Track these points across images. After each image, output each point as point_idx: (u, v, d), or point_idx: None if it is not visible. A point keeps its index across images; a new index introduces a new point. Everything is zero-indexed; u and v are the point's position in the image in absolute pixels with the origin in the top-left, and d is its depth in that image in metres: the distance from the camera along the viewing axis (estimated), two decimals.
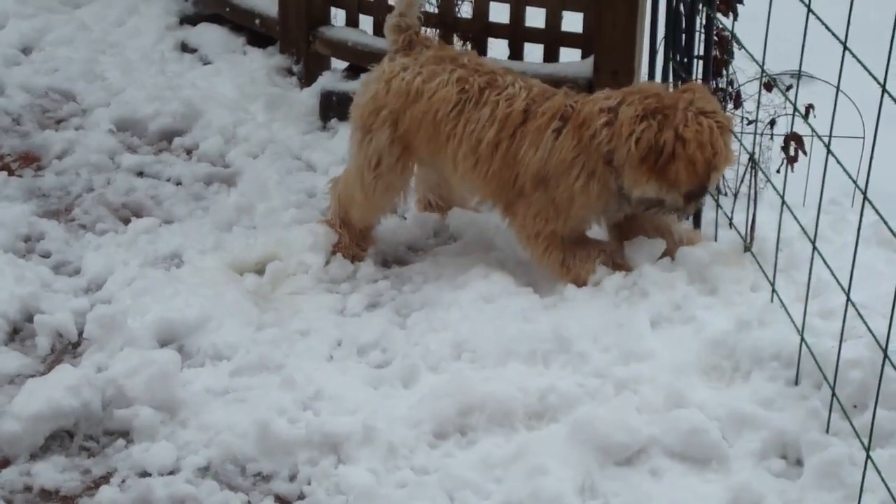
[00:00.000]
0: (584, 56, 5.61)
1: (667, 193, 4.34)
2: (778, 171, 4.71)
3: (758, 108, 4.45)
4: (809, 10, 3.54)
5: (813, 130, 3.81)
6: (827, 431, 3.58)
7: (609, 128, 4.34)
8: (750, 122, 5.04)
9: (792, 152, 4.66)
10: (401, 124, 4.69)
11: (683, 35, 4.88)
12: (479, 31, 5.82)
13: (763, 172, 4.55)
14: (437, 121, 4.60)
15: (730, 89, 5.12)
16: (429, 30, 5.64)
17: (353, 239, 4.98)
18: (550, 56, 5.74)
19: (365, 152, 4.78)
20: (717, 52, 4.92)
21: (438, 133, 4.62)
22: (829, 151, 3.48)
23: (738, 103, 5.17)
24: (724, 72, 5.07)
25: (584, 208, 4.47)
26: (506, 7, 5.75)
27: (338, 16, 6.47)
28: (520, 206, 4.57)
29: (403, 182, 4.88)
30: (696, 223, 4.83)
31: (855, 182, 3.37)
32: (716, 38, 4.79)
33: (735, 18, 4.86)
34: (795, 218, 3.97)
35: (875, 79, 3.05)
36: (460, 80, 4.59)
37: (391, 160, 4.75)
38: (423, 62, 4.68)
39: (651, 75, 5.34)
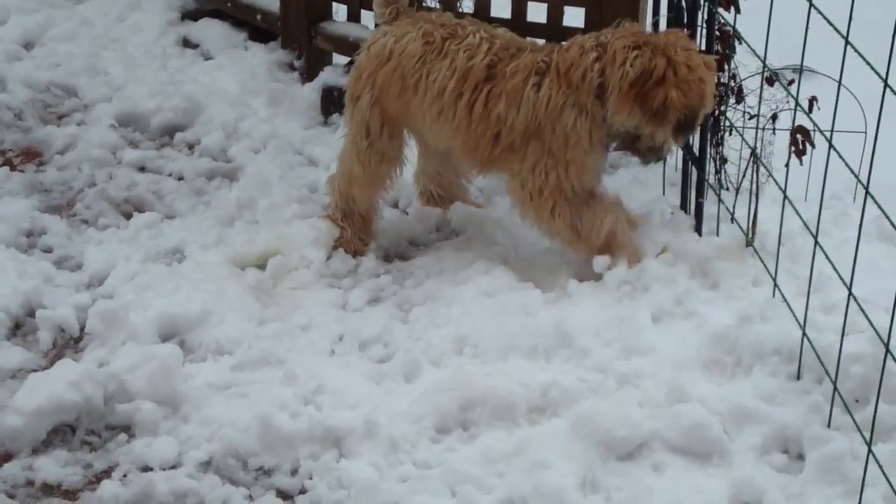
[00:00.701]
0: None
1: (651, 124, 4.37)
2: (786, 166, 4.70)
3: (759, 102, 4.44)
4: (811, 5, 3.54)
5: (815, 125, 3.81)
6: (828, 426, 3.59)
7: (600, 61, 4.41)
8: (752, 117, 5.03)
9: (799, 145, 4.65)
10: (376, 85, 4.76)
11: (686, 30, 4.87)
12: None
13: (765, 167, 4.54)
14: (404, 75, 4.68)
15: (732, 84, 5.12)
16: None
17: (354, 232, 4.99)
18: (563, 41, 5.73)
19: (355, 122, 4.87)
20: (719, 47, 4.92)
21: (405, 87, 4.69)
22: (830, 146, 3.48)
23: (739, 98, 5.16)
24: (726, 66, 5.06)
25: (580, 149, 4.48)
26: (508, 2, 5.74)
27: (339, 11, 6.47)
28: (513, 164, 4.60)
29: (395, 151, 4.92)
30: (698, 219, 4.83)
31: (857, 176, 3.37)
32: (717, 33, 4.79)
33: (737, 13, 4.85)
34: (797, 212, 3.97)
35: (877, 73, 3.04)
36: (425, 34, 4.67)
37: (376, 124, 4.81)
38: (400, 25, 4.77)
39: None
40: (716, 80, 4.47)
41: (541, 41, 5.60)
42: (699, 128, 4.64)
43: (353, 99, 4.86)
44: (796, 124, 4.41)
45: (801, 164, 4.49)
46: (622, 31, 4.47)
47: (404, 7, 4.88)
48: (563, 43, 4.62)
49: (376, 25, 5.05)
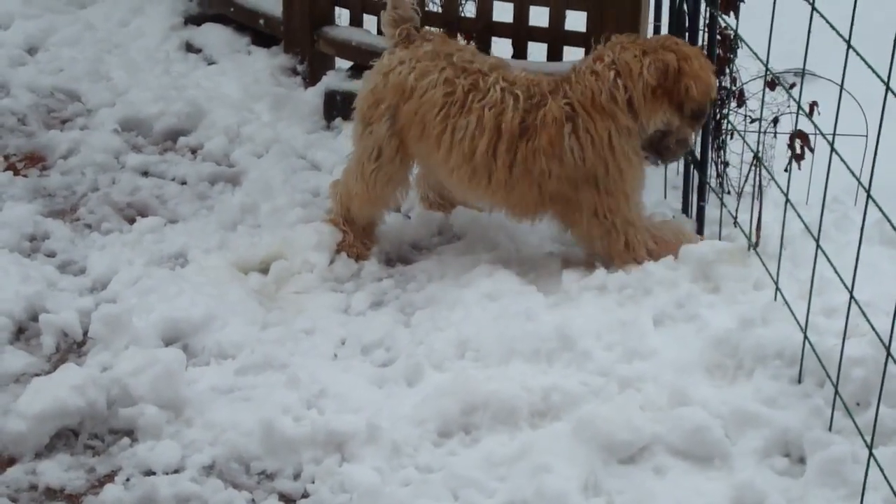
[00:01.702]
0: (587, 55, 5.60)
1: (677, 116, 4.48)
2: (786, 170, 4.71)
3: (762, 106, 4.44)
4: (813, 8, 3.54)
5: (816, 128, 3.81)
6: (830, 429, 3.59)
7: (621, 77, 4.46)
8: (753, 121, 5.04)
9: (798, 150, 4.66)
10: (397, 119, 4.73)
11: (687, 34, 4.88)
12: (482, 30, 5.82)
13: (767, 170, 4.55)
14: (426, 122, 4.64)
15: (733, 87, 5.13)
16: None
17: (356, 236, 4.99)
18: (554, 55, 5.75)
19: (365, 144, 4.83)
20: (721, 51, 4.93)
21: (427, 135, 4.66)
22: (832, 149, 3.48)
23: (741, 102, 5.17)
24: (728, 70, 5.07)
25: (633, 173, 4.56)
26: (509, 6, 5.75)
27: (342, 15, 6.48)
28: (567, 214, 4.63)
29: (403, 175, 4.91)
30: (700, 222, 4.84)
31: (858, 180, 3.38)
32: (719, 36, 4.80)
33: (737, 17, 4.86)
34: (799, 216, 3.97)
35: (879, 76, 3.05)
36: (447, 82, 4.61)
37: (390, 152, 4.79)
38: (420, 57, 4.70)
39: None
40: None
41: (543, 44, 5.63)
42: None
43: (367, 122, 4.81)
44: (798, 128, 4.41)
45: (800, 169, 4.50)
46: (619, 43, 4.52)
47: (415, 27, 4.81)
48: (569, 75, 4.61)
49: (379, 31, 5.04)
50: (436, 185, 5.17)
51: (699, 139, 4.80)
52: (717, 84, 4.57)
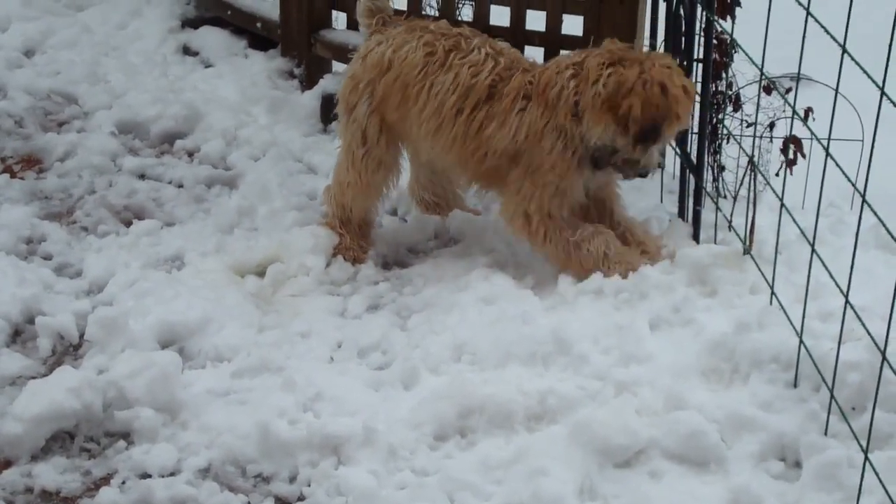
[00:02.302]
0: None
1: (619, 136, 4.40)
2: (777, 175, 4.72)
3: (757, 110, 4.46)
4: (808, 14, 3.55)
5: (812, 133, 3.82)
6: (825, 433, 3.59)
7: (576, 79, 4.45)
8: (749, 125, 5.05)
9: (791, 155, 4.67)
10: (375, 94, 4.78)
11: (683, 38, 4.89)
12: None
13: (762, 175, 4.55)
14: (405, 84, 4.70)
15: (729, 92, 5.13)
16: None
17: (353, 238, 5.00)
18: (551, 59, 5.74)
19: (350, 131, 4.90)
20: (717, 55, 4.93)
21: (406, 97, 4.71)
22: (827, 154, 3.49)
23: (737, 106, 5.18)
24: (724, 74, 5.08)
25: (557, 173, 4.52)
26: (506, 10, 5.76)
27: (339, 19, 6.49)
28: (499, 185, 4.70)
29: (391, 158, 4.94)
30: (696, 227, 4.84)
31: (854, 185, 3.38)
32: (715, 41, 4.80)
33: (733, 22, 4.87)
34: (794, 220, 3.98)
35: (874, 81, 3.05)
36: (427, 45, 4.69)
37: (374, 132, 4.84)
38: (395, 34, 4.79)
39: None
40: (692, 105, 4.49)
41: (540, 48, 5.65)
42: (675, 142, 4.66)
43: (349, 108, 4.89)
44: (793, 133, 4.42)
45: (792, 175, 4.50)
46: (602, 48, 4.51)
47: (389, 15, 4.92)
48: (557, 58, 4.67)
49: (364, 36, 5.05)
50: (430, 184, 5.18)
51: (695, 144, 4.81)
52: (687, 119, 4.47)
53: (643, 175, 4.64)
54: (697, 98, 4.68)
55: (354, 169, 4.91)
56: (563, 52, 5.70)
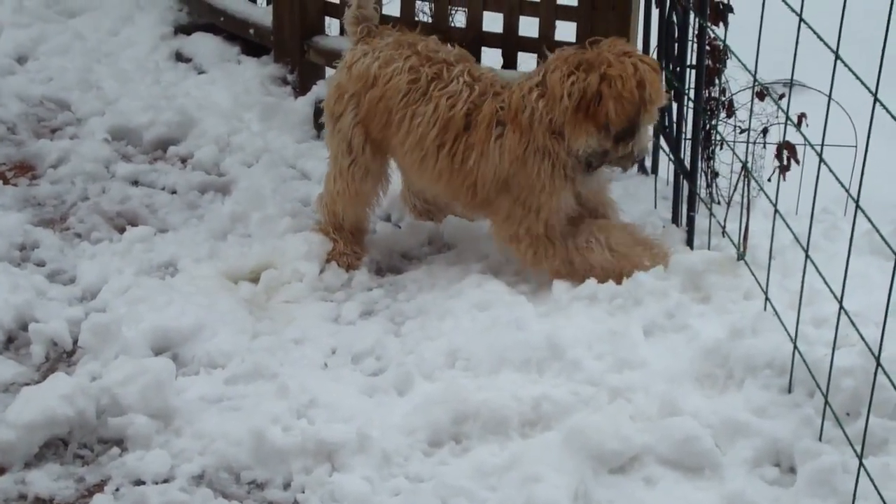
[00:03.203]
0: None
1: (604, 139, 4.41)
2: (769, 180, 4.73)
3: (750, 116, 4.46)
4: (801, 20, 3.56)
5: (805, 139, 3.82)
6: (820, 439, 3.60)
7: (543, 98, 4.44)
8: (742, 131, 5.06)
9: (784, 161, 4.69)
10: (360, 107, 4.78)
11: (676, 44, 4.90)
12: (472, 40, 5.83)
13: (756, 181, 4.56)
14: (388, 109, 4.69)
15: (722, 98, 5.14)
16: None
17: (346, 244, 5.00)
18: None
19: (337, 140, 4.89)
20: (710, 62, 4.94)
21: (389, 122, 4.71)
22: (821, 160, 3.50)
23: (730, 112, 5.19)
24: (717, 80, 5.09)
25: (546, 193, 4.52)
26: (499, 16, 5.76)
27: (332, 25, 6.48)
28: (490, 214, 4.70)
29: (378, 167, 4.93)
30: (690, 233, 4.85)
31: (847, 191, 3.39)
32: (708, 47, 4.81)
33: (726, 28, 4.88)
34: (788, 226, 3.98)
35: (867, 87, 3.06)
36: (411, 70, 4.68)
37: (359, 141, 4.83)
38: (383, 47, 4.78)
39: None
40: (660, 78, 4.46)
41: (533, 54, 5.65)
42: (661, 129, 4.76)
43: (334, 117, 4.89)
44: (787, 139, 4.43)
45: (785, 180, 4.51)
46: (557, 59, 4.49)
47: (376, 25, 4.92)
48: (518, 79, 4.66)
49: (350, 45, 5.06)
50: (420, 192, 5.19)
51: (689, 150, 4.81)
52: (660, 94, 4.44)
53: (641, 159, 4.68)
54: (690, 103, 4.69)
55: (342, 178, 4.91)
56: None
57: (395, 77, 4.67)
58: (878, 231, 3.22)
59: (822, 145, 3.51)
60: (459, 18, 6.08)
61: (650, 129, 4.58)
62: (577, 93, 4.35)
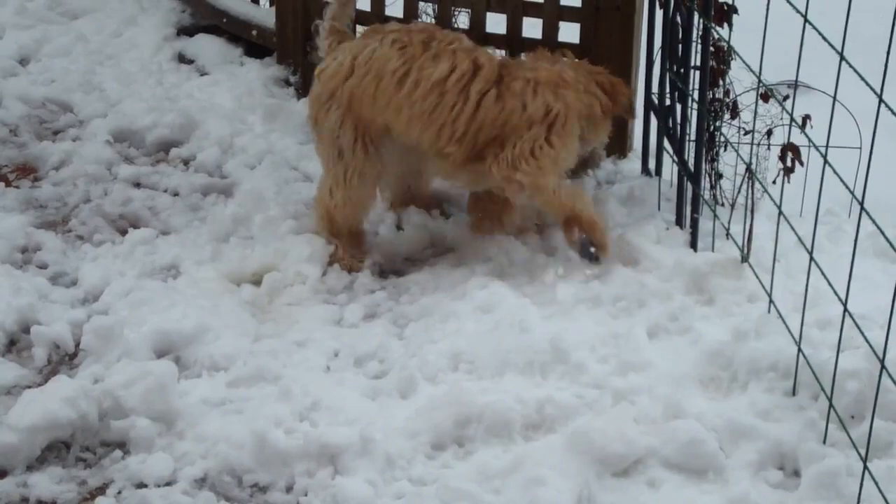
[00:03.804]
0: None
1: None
2: (774, 182, 4.72)
3: (755, 118, 4.45)
4: (806, 21, 3.55)
5: (810, 141, 3.81)
6: (824, 442, 3.59)
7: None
8: (747, 133, 5.04)
9: (789, 163, 4.67)
10: (341, 101, 4.79)
11: (680, 46, 4.89)
12: (476, 41, 5.80)
13: (760, 183, 4.55)
14: (379, 76, 4.72)
15: (726, 99, 5.13)
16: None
17: (346, 247, 4.98)
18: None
19: (326, 145, 4.90)
20: (714, 63, 4.93)
21: (385, 87, 4.71)
22: (826, 162, 3.49)
23: (734, 114, 5.18)
24: (721, 82, 5.08)
25: (572, 134, 4.77)
26: (503, 17, 5.75)
27: None
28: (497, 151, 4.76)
29: (371, 168, 4.90)
30: (694, 235, 4.83)
31: (852, 193, 3.38)
32: (712, 48, 4.80)
33: (730, 29, 4.86)
34: (793, 228, 3.97)
35: (872, 89, 3.05)
36: (395, 42, 4.75)
37: (348, 142, 4.83)
38: (350, 45, 4.86)
39: (648, 85, 5.35)
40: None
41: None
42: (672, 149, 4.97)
43: (318, 126, 4.91)
44: (791, 140, 4.41)
45: (790, 182, 4.50)
46: (584, 72, 4.86)
47: (346, 33, 4.99)
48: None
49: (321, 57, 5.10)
50: (393, 183, 5.19)
51: (693, 152, 4.80)
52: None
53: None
54: (694, 105, 4.68)
55: (336, 185, 4.90)
56: None
57: (378, 51, 4.73)
58: (882, 233, 3.21)
59: (827, 147, 3.50)
60: (463, 20, 6.06)
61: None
62: (627, 103, 4.95)
